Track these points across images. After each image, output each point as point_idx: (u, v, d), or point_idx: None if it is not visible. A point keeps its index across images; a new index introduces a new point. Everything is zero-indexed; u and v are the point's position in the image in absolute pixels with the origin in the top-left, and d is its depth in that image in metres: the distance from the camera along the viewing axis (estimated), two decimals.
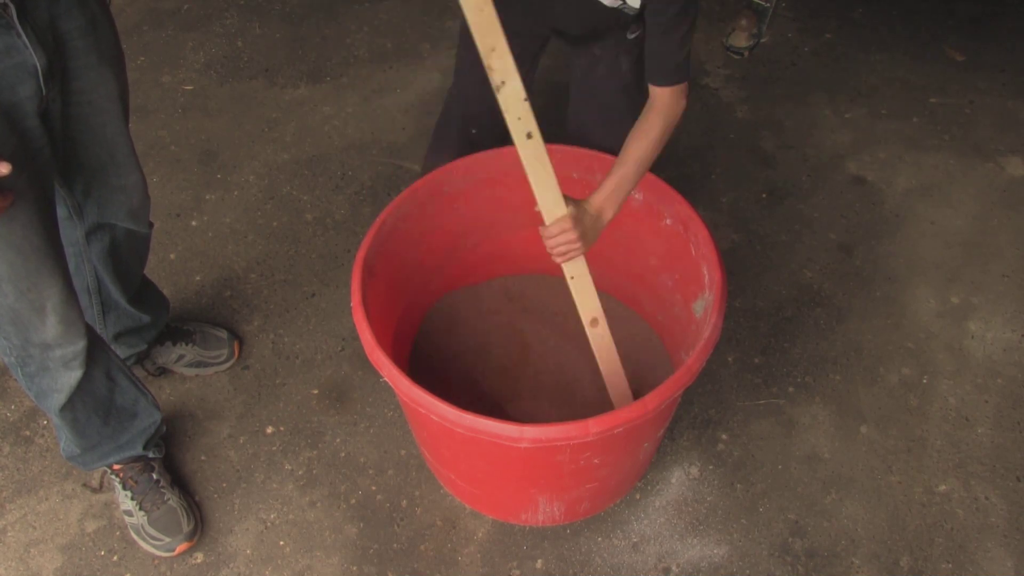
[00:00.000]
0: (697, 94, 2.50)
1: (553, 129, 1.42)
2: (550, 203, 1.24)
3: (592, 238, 1.31)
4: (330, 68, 2.55)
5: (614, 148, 1.65)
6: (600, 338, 1.43)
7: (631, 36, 1.49)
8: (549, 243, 1.29)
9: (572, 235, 1.26)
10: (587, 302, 1.38)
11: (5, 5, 0.99)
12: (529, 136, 1.13)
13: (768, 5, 2.59)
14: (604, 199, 1.33)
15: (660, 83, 1.32)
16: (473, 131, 1.76)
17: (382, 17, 2.72)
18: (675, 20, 1.26)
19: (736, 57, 2.61)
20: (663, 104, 1.34)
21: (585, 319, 1.40)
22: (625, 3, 1.33)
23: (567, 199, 1.26)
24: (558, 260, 1.33)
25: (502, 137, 1.81)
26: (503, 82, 1.04)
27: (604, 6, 1.36)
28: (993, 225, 2.15)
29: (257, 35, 2.66)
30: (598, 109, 1.68)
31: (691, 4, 1.26)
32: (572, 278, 1.34)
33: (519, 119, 1.10)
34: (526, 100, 1.08)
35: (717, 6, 2.80)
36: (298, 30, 2.68)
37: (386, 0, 2.77)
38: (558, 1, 1.43)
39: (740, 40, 2.60)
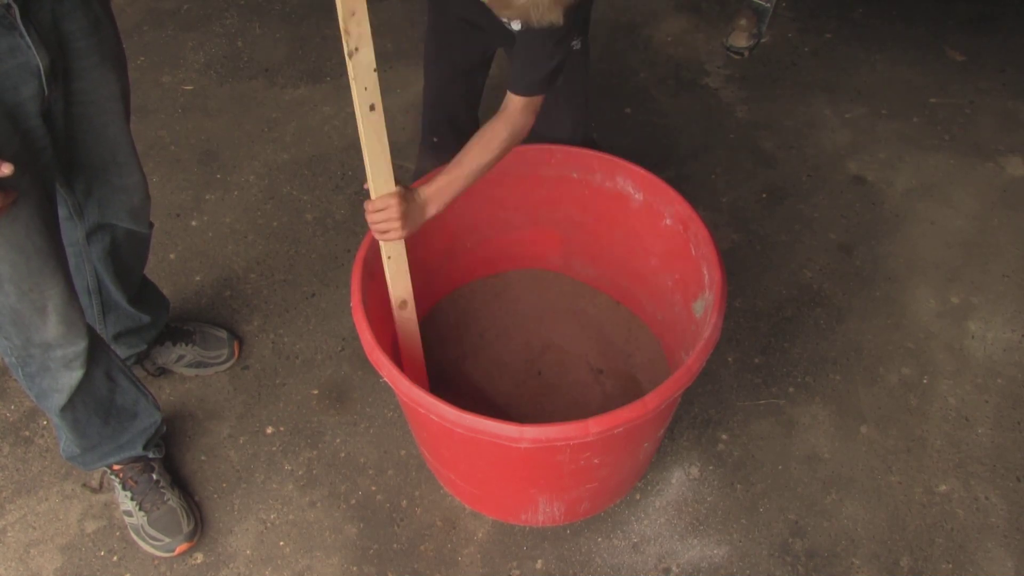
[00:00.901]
0: (697, 94, 2.50)
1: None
2: (380, 180, 1.24)
3: (413, 226, 1.31)
4: (330, 68, 2.55)
5: (565, 124, 1.67)
6: (407, 320, 1.46)
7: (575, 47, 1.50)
8: (372, 217, 1.30)
9: (395, 213, 1.27)
10: (399, 283, 1.40)
11: (8, 6, 0.99)
12: (372, 108, 1.13)
13: (768, 5, 2.58)
14: (432, 192, 1.33)
15: (515, 90, 1.34)
16: (435, 139, 1.78)
17: (382, 17, 2.72)
18: (545, 34, 1.26)
19: (736, 57, 2.61)
20: (512, 113, 1.35)
21: (395, 301, 1.43)
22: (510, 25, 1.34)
23: (397, 183, 1.27)
24: (378, 238, 1.33)
25: (461, 146, 1.83)
26: (356, 48, 1.04)
27: (508, 30, 1.38)
28: (993, 225, 2.15)
29: (257, 35, 2.66)
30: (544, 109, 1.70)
31: (563, 30, 1.24)
32: (388, 258, 1.36)
33: (366, 89, 1.10)
34: (375, 71, 1.09)
35: (717, 6, 2.80)
36: (298, 30, 2.68)
37: (386, 0, 2.77)
38: (485, 29, 1.47)
39: (740, 40, 2.60)
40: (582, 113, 1.68)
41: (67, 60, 1.13)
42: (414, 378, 1.50)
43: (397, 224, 1.28)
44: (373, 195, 1.28)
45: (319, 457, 1.68)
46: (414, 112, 2.39)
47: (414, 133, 2.33)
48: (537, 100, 1.36)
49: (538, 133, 1.70)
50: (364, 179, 2.23)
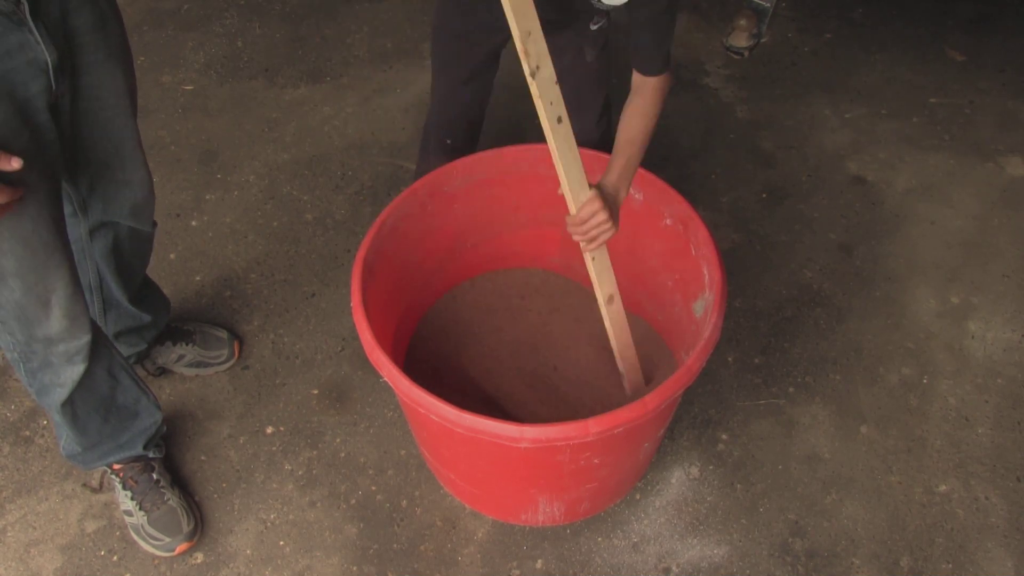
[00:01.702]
0: (697, 94, 2.50)
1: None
2: (577, 187, 1.25)
3: (616, 218, 1.32)
4: (330, 68, 2.55)
5: (578, 135, 1.67)
6: (616, 315, 1.47)
7: (594, 27, 1.50)
8: (581, 228, 1.30)
9: (603, 216, 1.28)
10: (606, 280, 1.41)
11: (18, 2, 0.99)
12: (560, 120, 1.14)
13: (768, 5, 2.59)
14: (617, 178, 1.34)
15: (651, 73, 1.35)
16: (448, 141, 1.77)
17: (382, 17, 2.72)
18: (658, 14, 1.28)
19: (736, 57, 2.61)
20: (653, 89, 1.36)
21: (602, 297, 1.43)
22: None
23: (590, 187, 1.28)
24: (590, 246, 1.34)
25: (473, 147, 1.82)
26: (538, 67, 1.05)
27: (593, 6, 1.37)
28: (993, 225, 2.15)
29: (257, 35, 2.66)
30: (566, 98, 1.70)
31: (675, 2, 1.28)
32: (594, 259, 1.37)
33: (551, 104, 1.11)
34: (556, 83, 1.10)
35: (717, 6, 2.80)
36: (298, 30, 2.68)
37: (386, 0, 2.77)
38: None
39: (740, 40, 2.60)
40: (608, 100, 1.68)
41: (74, 56, 1.14)
42: (633, 381, 1.56)
43: (608, 225, 1.29)
44: (573, 207, 1.28)
45: (319, 457, 1.68)
46: (415, 112, 2.39)
47: (415, 133, 2.33)
48: (670, 73, 1.36)
49: None
50: (365, 179, 2.25)
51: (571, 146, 1.19)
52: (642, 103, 1.36)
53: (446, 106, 1.74)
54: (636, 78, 1.37)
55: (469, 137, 1.78)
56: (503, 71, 1.70)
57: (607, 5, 1.31)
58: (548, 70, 1.08)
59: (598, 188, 1.31)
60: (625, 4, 1.27)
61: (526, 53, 1.02)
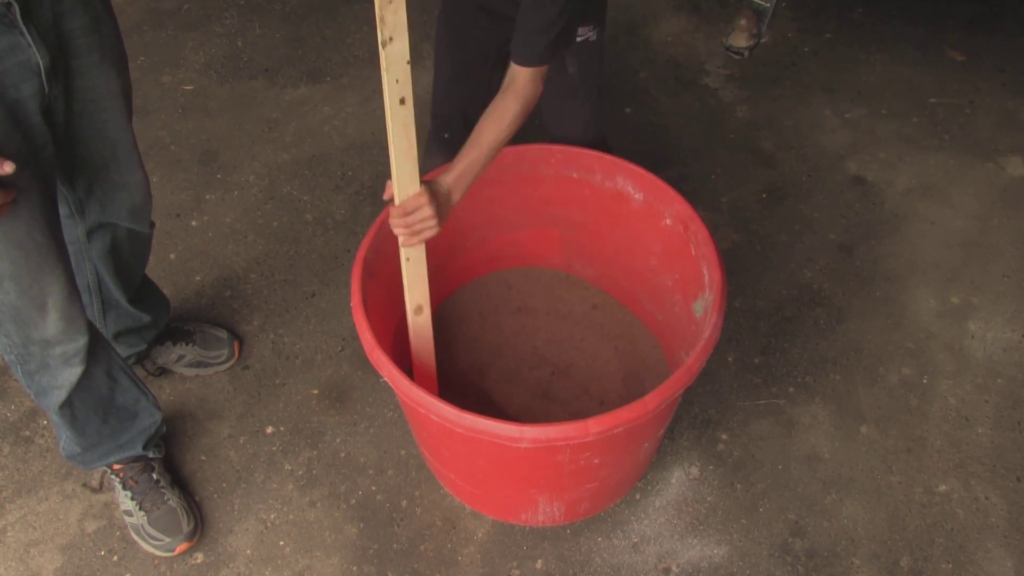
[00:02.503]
0: (697, 94, 2.50)
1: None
2: (406, 179, 1.19)
3: (443, 220, 1.28)
4: (330, 68, 2.55)
5: (566, 138, 1.66)
6: (421, 327, 1.43)
7: (579, 39, 1.49)
8: (404, 220, 1.25)
9: (428, 212, 1.23)
10: (416, 288, 1.36)
11: (9, 4, 0.99)
12: (402, 101, 1.10)
13: (768, 5, 2.59)
14: (454, 180, 1.30)
15: (520, 62, 1.31)
16: (445, 135, 1.77)
17: None
18: (543, 3, 1.25)
19: (736, 57, 2.61)
20: (520, 86, 1.32)
21: (410, 306, 1.39)
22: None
23: (421, 180, 1.23)
24: (409, 241, 1.29)
25: None
26: (391, 37, 1.00)
27: None
28: (993, 225, 2.15)
29: (257, 35, 2.66)
30: (548, 102, 1.69)
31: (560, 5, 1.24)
32: (407, 260, 1.32)
33: (397, 81, 1.07)
34: (408, 63, 1.05)
35: (717, 6, 2.80)
36: (298, 30, 2.68)
37: None
38: (502, 8, 1.44)
39: (740, 40, 2.60)
40: (595, 110, 1.67)
41: (67, 58, 1.14)
42: (425, 385, 1.49)
43: (432, 223, 1.25)
44: (399, 196, 1.23)
45: (319, 457, 1.68)
46: (414, 111, 2.39)
47: (415, 130, 2.33)
48: (543, 70, 1.32)
49: (549, 131, 1.70)
50: (365, 179, 2.25)
51: (408, 132, 1.13)
52: (504, 105, 1.31)
53: (442, 101, 1.74)
54: (510, 71, 1.33)
55: (468, 132, 1.78)
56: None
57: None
58: (402, 44, 1.02)
59: (430, 184, 1.26)
60: None
61: (382, 20, 0.97)
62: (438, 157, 1.80)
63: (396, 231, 1.28)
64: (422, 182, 1.24)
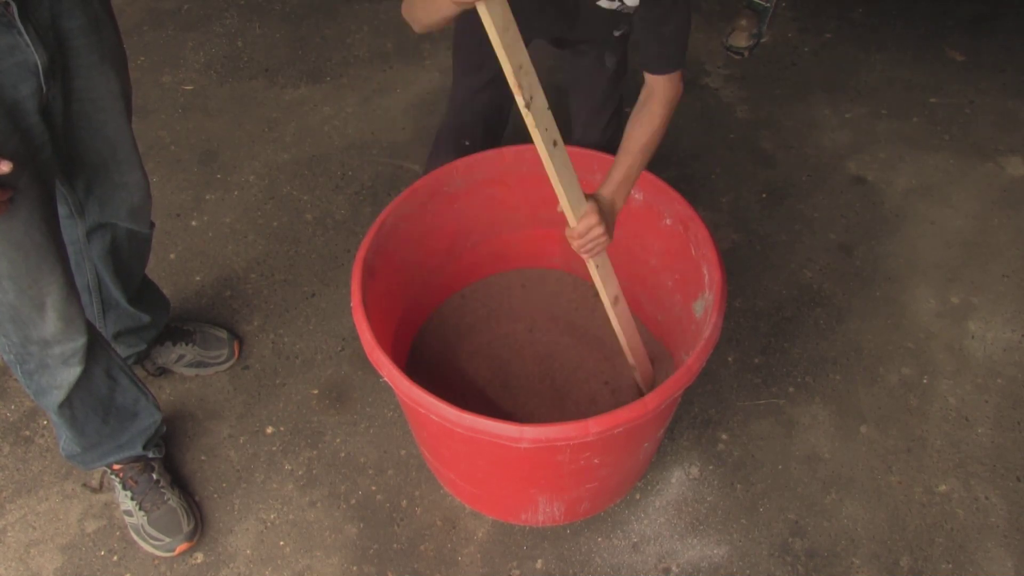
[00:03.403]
0: (697, 94, 2.50)
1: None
2: (575, 204, 1.27)
3: (612, 230, 1.34)
4: (330, 68, 2.55)
5: (596, 138, 1.67)
6: (623, 314, 1.49)
7: (617, 34, 1.50)
8: (579, 242, 1.32)
9: (599, 229, 1.30)
10: (610, 283, 1.44)
11: (7, 4, 0.99)
12: (555, 144, 1.17)
13: (768, 5, 2.59)
14: (615, 189, 1.35)
15: (658, 71, 1.33)
16: (466, 143, 1.77)
17: (382, 17, 2.72)
18: (670, 10, 1.27)
19: (736, 57, 2.61)
20: (663, 91, 1.34)
21: (608, 299, 1.45)
22: (623, 3, 1.33)
23: (586, 196, 1.29)
24: (588, 256, 1.36)
25: (493, 143, 1.81)
26: (532, 97, 1.08)
27: (602, 9, 1.36)
28: (993, 225, 2.15)
29: (257, 35, 2.66)
30: (581, 100, 1.70)
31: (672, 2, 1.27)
32: (597, 267, 1.39)
33: (546, 130, 1.14)
34: (549, 110, 1.13)
35: (717, 6, 2.80)
36: (298, 30, 2.68)
37: (386, 0, 2.77)
38: (552, 9, 1.43)
39: (740, 40, 2.60)
40: (617, 114, 1.68)
41: (66, 58, 1.13)
42: (644, 376, 1.61)
43: (604, 238, 1.31)
44: (572, 220, 1.30)
45: (319, 457, 1.68)
46: (415, 112, 2.39)
47: (415, 133, 2.33)
48: (680, 72, 1.34)
49: (573, 136, 1.71)
50: (365, 179, 2.25)
51: (567, 166, 1.21)
52: (650, 111, 1.34)
53: (463, 110, 1.74)
54: (648, 81, 1.35)
55: (487, 140, 1.78)
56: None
57: (629, 7, 1.31)
58: (541, 99, 1.10)
59: (595, 200, 1.31)
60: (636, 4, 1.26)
61: (519, 87, 1.05)
62: (449, 157, 1.79)
63: (577, 250, 1.35)
64: (590, 199, 1.30)
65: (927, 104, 2.47)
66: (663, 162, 2.28)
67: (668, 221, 1.54)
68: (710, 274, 1.40)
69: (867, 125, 2.41)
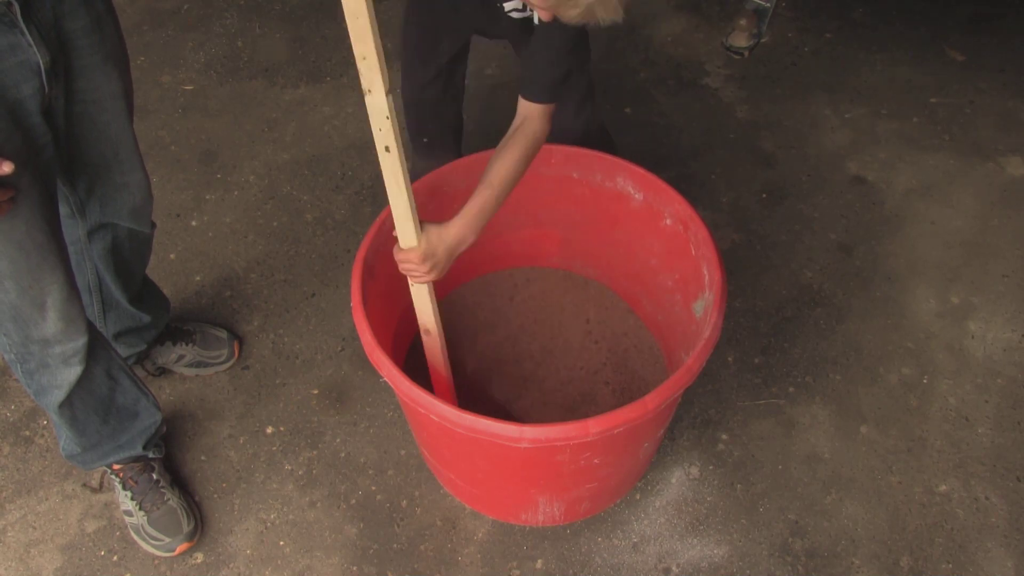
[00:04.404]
0: (697, 94, 2.50)
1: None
2: (403, 225, 1.22)
3: (445, 267, 1.29)
4: (330, 68, 2.55)
5: (568, 125, 1.66)
6: (432, 346, 1.47)
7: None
8: (400, 265, 1.28)
9: (423, 268, 1.25)
10: (423, 312, 1.40)
11: (9, 3, 0.99)
12: (387, 150, 1.14)
13: (768, 5, 2.59)
14: (465, 225, 1.28)
15: (530, 98, 1.31)
16: (424, 140, 1.78)
17: (382, 17, 2.71)
18: (557, 42, 1.25)
19: (736, 57, 2.61)
20: (530, 124, 1.31)
21: (420, 327, 1.44)
22: (533, 17, 1.32)
23: (425, 225, 1.24)
24: (409, 280, 1.33)
25: (453, 145, 1.82)
26: (369, 91, 1.06)
27: (514, 19, 1.36)
28: (993, 225, 2.15)
29: (257, 35, 2.66)
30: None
31: (583, 32, 1.24)
32: (413, 293, 1.37)
33: (380, 131, 1.12)
34: (388, 118, 1.10)
35: (717, 6, 2.80)
36: (298, 30, 2.68)
37: (386, 0, 2.77)
38: (467, 7, 1.46)
39: (740, 40, 2.60)
40: (588, 102, 1.67)
41: (68, 58, 1.14)
42: (445, 399, 1.51)
43: (427, 277, 1.27)
44: (401, 243, 1.26)
45: (319, 457, 1.68)
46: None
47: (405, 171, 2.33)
48: (552, 107, 1.32)
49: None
50: (365, 179, 2.25)
51: (398, 179, 1.15)
52: (513, 143, 1.31)
53: (415, 106, 1.75)
54: (520, 109, 1.33)
55: (445, 134, 1.78)
56: (502, 68, 1.70)
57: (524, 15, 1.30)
58: (379, 98, 1.07)
59: (438, 234, 1.25)
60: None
61: (361, 75, 1.03)
62: (422, 163, 1.81)
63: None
64: (429, 230, 1.25)
65: (927, 104, 2.47)
66: (663, 162, 2.28)
67: (668, 221, 1.54)
68: (710, 274, 1.40)
69: (867, 125, 2.41)
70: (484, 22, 1.51)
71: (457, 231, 1.27)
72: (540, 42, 1.29)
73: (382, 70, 1.02)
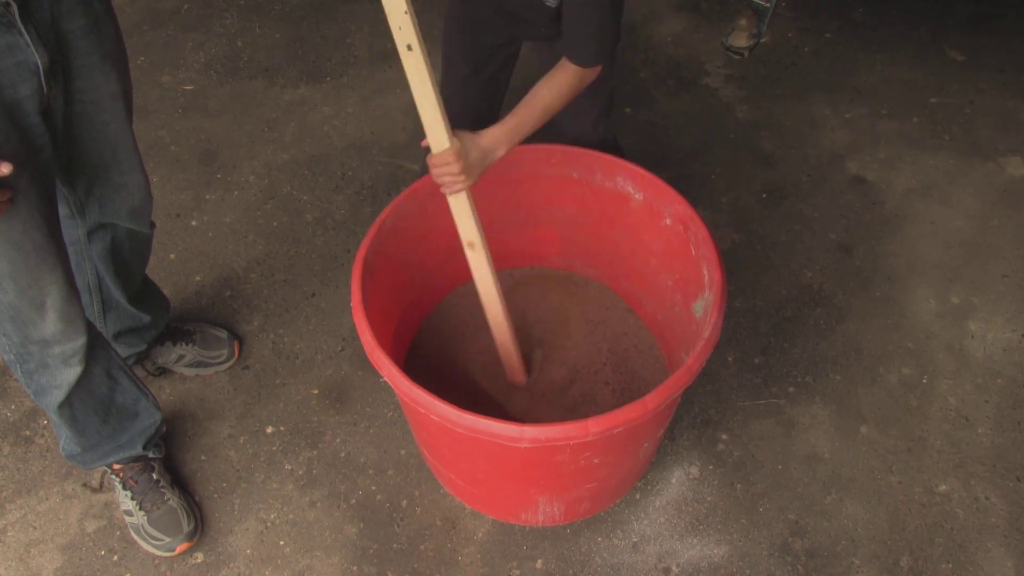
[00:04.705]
0: (697, 94, 2.50)
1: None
2: (434, 130, 1.23)
3: (477, 173, 1.30)
4: (330, 68, 2.55)
5: (587, 130, 1.66)
6: (477, 260, 1.45)
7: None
8: (433, 172, 1.29)
9: (454, 168, 1.26)
10: (466, 226, 1.40)
11: (7, 4, 0.99)
12: (409, 48, 1.13)
13: (768, 5, 2.59)
14: (500, 136, 1.32)
15: (580, 61, 1.32)
16: None
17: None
18: (588, 9, 1.26)
19: (736, 57, 2.61)
20: (575, 71, 1.33)
21: (463, 242, 1.43)
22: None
23: (458, 132, 1.26)
24: (443, 191, 1.33)
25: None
26: None
27: (547, 7, 1.36)
28: (993, 225, 2.15)
29: (257, 35, 2.66)
30: None
31: None
32: (452, 205, 1.36)
33: (400, 28, 1.11)
34: (406, 13, 1.09)
35: (717, 6, 2.80)
36: (298, 30, 2.68)
37: None
38: (521, 11, 1.45)
39: (740, 40, 2.60)
40: (606, 109, 1.68)
41: (67, 58, 1.14)
42: (498, 322, 1.52)
43: (459, 179, 1.28)
44: (433, 148, 1.26)
45: (319, 457, 1.68)
46: (414, 112, 2.35)
47: (415, 133, 2.33)
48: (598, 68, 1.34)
49: (561, 126, 1.70)
50: (365, 179, 2.25)
51: (424, 80, 1.16)
52: (563, 77, 1.33)
53: (451, 101, 1.74)
54: (564, 60, 1.35)
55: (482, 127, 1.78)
56: (517, 70, 1.70)
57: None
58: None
59: (470, 140, 1.28)
60: None
61: None
62: None
63: (433, 179, 1.31)
64: (461, 136, 1.26)
65: (927, 104, 2.47)
66: (663, 162, 2.28)
67: (668, 221, 1.54)
68: (710, 274, 1.40)
69: (867, 125, 2.41)
70: (520, 9, 1.50)
71: (491, 138, 1.31)
72: (574, 18, 1.29)
73: None
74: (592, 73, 1.36)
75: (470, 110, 1.73)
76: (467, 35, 1.61)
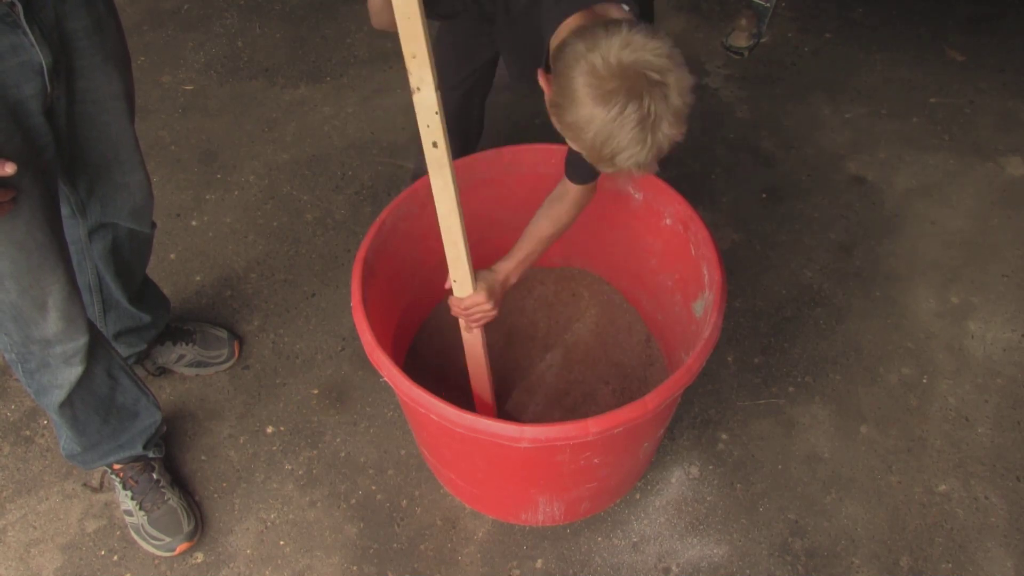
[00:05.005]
0: (697, 94, 2.49)
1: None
2: (460, 272, 1.28)
3: (499, 303, 1.37)
4: (330, 68, 2.55)
5: None
6: (471, 343, 1.50)
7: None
8: (464, 312, 1.35)
9: (487, 306, 1.33)
10: (472, 357, 1.50)
11: (12, 4, 0.99)
12: (435, 145, 1.16)
13: (768, 5, 2.59)
14: (512, 269, 1.39)
15: (576, 182, 1.37)
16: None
17: None
18: None
19: (736, 57, 2.61)
20: (577, 197, 1.39)
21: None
22: None
23: (476, 270, 1.31)
24: (469, 325, 1.40)
25: (463, 146, 1.83)
26: (418, 88, 1.09)
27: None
28: (993, 225, 2.15)
29: (257, 35, 2.66)
30: None
31: None
32: (469, 342, 1.46)
33: (427, 127, 1.15)
34: (438, 114, 1.12)
35: (717, 6, 2.80)
36: (298, 30, 2.68)
37: None
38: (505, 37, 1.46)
39: (740, 40, 2.60)
40: None
41: (70, 59, 1.14)
42: (484, 410, 1.58)
43: (491, 313, 1.35)
44: (457, 291, 1.32)
45: (319, 457, 1.69)
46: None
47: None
48: (596, 183, 1.39)
49: None
50: (365, 179, 2.24)
51: (446, 179, 1.17)
52: (562, 208, 1.40)
53: (444, 105, 1.74)
54: (561, 184, 1.41)
55: (461, 142, 1.79)
56: (502, 72, 1.70)
57: None
58: (429, 94, 1.09)
59: (489, 276, 1.35)
60: None
61: (410, 72, 1.06)
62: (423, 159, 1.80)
63: (456, 315, 1.38)
64: (483, 273, 1.33)
65: (927, 104, 2.47)
66: (663, 162, 2.27)
67: (668, 221, 1.54)
68: (710, 274, 1.40)
69: (867, 125, 2.41)
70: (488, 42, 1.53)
71: (505, 271, 1.38)
72: None
73: (432, 67, 1.05)
74: (591, 195, 1.41)
75: (461, 114, 1.74)
76: (460, 39, 1.62)
